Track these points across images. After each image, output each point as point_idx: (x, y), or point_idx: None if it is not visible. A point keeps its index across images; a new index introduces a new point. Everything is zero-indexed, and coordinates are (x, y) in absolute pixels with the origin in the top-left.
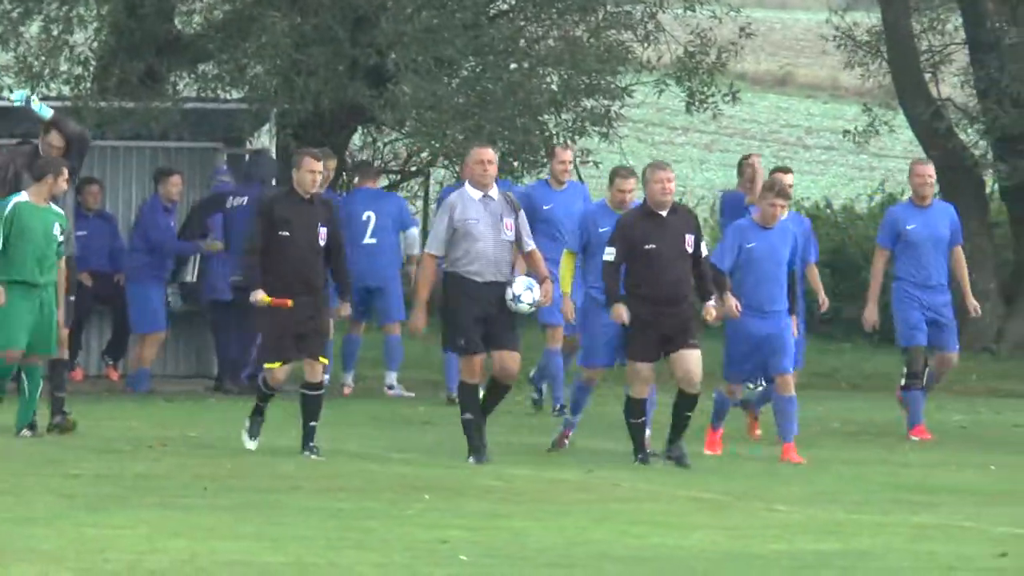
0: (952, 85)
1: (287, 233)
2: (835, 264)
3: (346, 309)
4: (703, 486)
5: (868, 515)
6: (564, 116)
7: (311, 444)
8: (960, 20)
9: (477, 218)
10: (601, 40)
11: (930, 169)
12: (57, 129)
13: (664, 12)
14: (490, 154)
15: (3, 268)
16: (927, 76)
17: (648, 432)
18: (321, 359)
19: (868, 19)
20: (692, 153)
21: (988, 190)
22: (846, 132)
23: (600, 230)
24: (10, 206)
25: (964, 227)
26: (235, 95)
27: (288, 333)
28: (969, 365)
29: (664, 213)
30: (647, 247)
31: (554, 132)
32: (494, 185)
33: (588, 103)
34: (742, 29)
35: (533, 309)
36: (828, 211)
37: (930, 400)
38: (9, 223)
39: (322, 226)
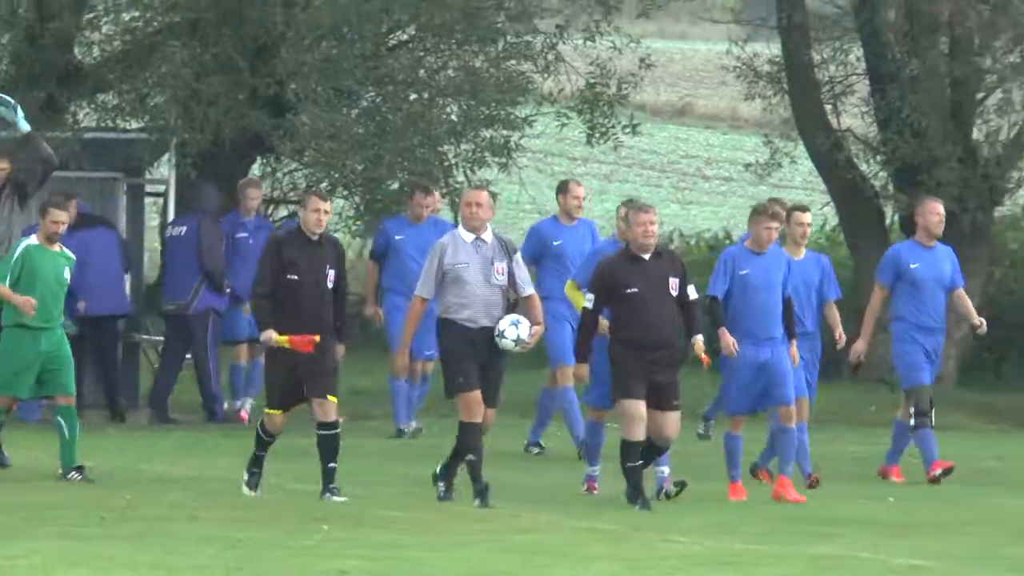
0: (853, 116)
1: (295, 276)
2: None
3: (341, 351)
4: (602, 517)
5: (766, 546)
6: (464, 146)
7: (332, 486)
8: (861, 51)
9: (467, 262)
10: (501, 71)
11: (941, 207)
12: (31, 146)
13: (564, 43)
14: (483, 196)
15: (12, 312)
16: (827, 107)
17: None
18: (330, 397)
19: (768, 50)
20: (592, 184)
21: (888, 221)
22: (748, 166)
23: None
24: (20, 249)
25: (863, 258)
26: (135, 125)
27: (291, 381)
28: (867, 397)
29: (647, 256)
30: (629, 291)
31: (453, 162)
32: (487, 228)
33: (488, 133)
34: (642, 60)
35: (518, 348)
36: (728, 242)
37: (827, 431)
38: (19, 266)
39: (330, 268)
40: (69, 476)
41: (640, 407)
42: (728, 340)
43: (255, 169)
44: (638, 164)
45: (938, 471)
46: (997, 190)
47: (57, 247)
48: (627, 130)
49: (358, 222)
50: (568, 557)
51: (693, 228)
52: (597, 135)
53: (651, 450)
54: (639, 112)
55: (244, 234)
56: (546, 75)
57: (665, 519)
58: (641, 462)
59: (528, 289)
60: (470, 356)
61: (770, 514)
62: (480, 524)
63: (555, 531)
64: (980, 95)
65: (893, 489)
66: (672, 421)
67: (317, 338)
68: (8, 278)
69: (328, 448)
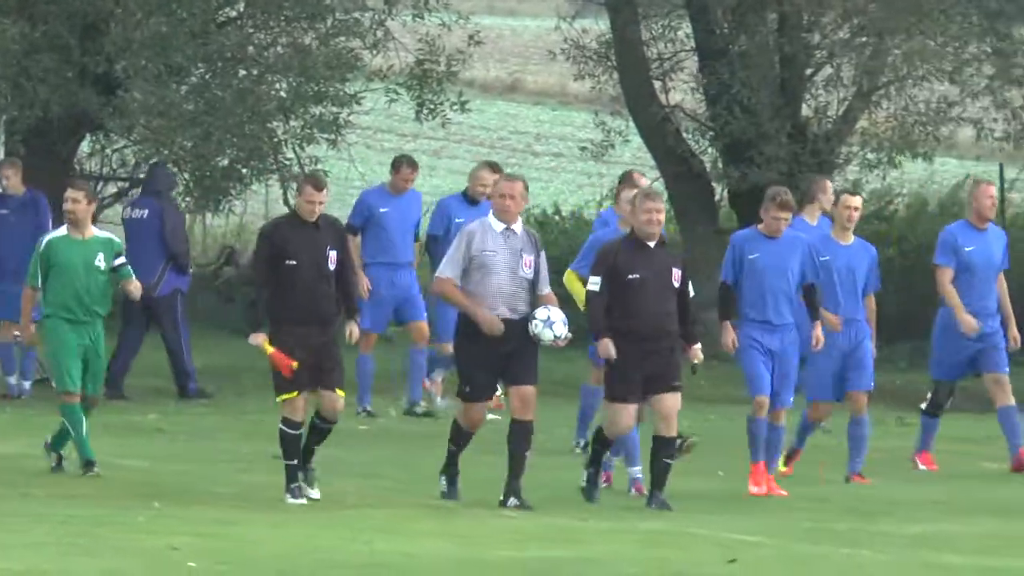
0: (682, 92)
1: (294, 262)
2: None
3: (355, 332)
4: (430, 493)
5: (599, 522)
6: (293, 123)
7: (310, 465)
8: (690, 28)
9: (495, 250)
10: (330, 47)
11: (994, 189)
12: None
13: (393, 20)
14: (516, 188)
15: (47, 304)
16: (657, 84)
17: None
18: (339, 392)
19: (597, 26)
20: (421, 160)
21: (717, 197)
22: (583, 148)
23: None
24: (43, 244)
25: (693, 233)
26: None
27: (301, 362)
28: (700, 373)
29: (652, 244)
30: (631, 277)
31: (283, 139)
32: (518, 219)
33: (317, 110)
34: (471, 37)
35: (555, 344)
36: (557, 218)
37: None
38: (44, 262)
39: (331, 249)
40: (50, 456)
41: (629, 412)
42: (728, 337)
43: (84, 146)
44: (468, 140)
45: (922, 466)
46: (826, 166)
47: (89, 232)
48: (456, 107)
49: (187, 198)
50: (396, 533)
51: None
52: (426, 112)
53: (661, 446)
54: (468, 88)
55: (5, 211)
56: (375, 52)
57: (499, 495)
58: (606, 454)
59: (547, 288)
60: (483, 362)
61: (604, 490)
62: (310, 500)
63: (384, 507)
64: (809, 71)
65: (724, 464)
66: (673, 402)
67: (295, 365)
68: (37, 278)
69: (320, 438)
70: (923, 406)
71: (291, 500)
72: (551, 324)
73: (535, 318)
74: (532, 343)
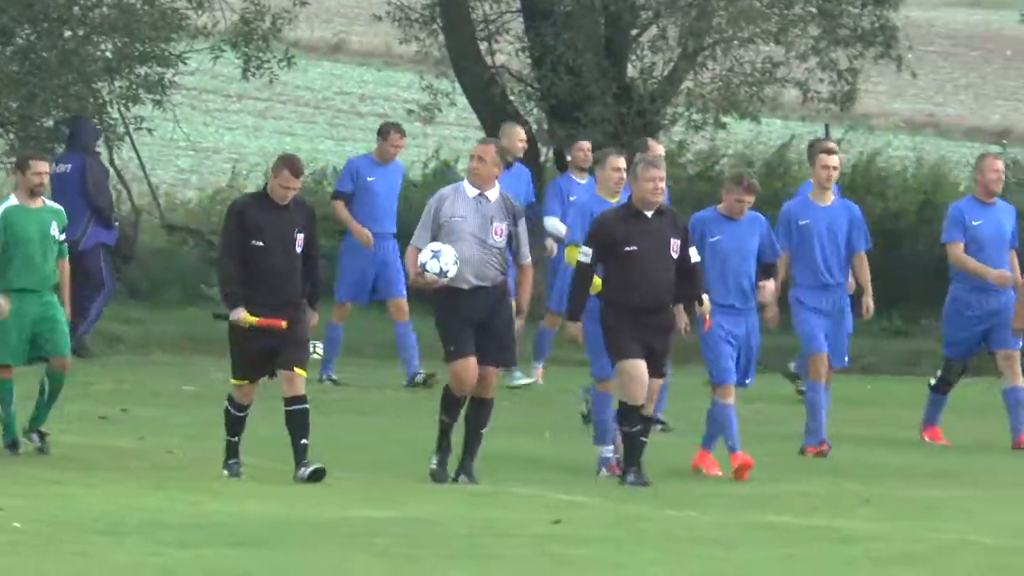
0: (508, 54)
1: (260, 242)
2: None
3: (314, 319)
4: (257, 454)
5: (426, 483)
6: (118, 83)
7: (305, 461)
8: None
9: (465, 216)
10: (155, 7)
11: (1000, 163)
12: None
13: None
14: (488, 151)
15: (1, 276)
16: (482, 45)
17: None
18: (299, 370)
19: None
20: (247, 120)
21: (543, 158)
22: (410, 112)
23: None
24: None
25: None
26: None
27: (257, 349)
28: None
29: (650, 214)
30: (628, 248)
31: (108, 100)
32: (496, 186)
33: (142, 70)
34: None
35: (443, 280)
36: None
37: None
38: (2, 231)
39: (299, 232)
40: (31, 437)
41: (640, 367)
42: (706, 307)
43: None
44: (293, 101)
45: (927, 438)
46: (652, 126)
47: (40, 202)
48: (282, 64)
49: (12, 159)
50: (221, 494)
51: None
52: (252, 68)
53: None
54: (294, 48)
55: None
56: (200, 11)
57: (326, 457)
58: (640, 427)
59: (527, 257)
60: (462, 321)
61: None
62: (133, 460)
63: (208, 467)
64: (634, 32)
65: (549, 424)
66: (653, 386)
67: (284, 324)
68: None
69: (298, 425)
70: (932, 382)
71: (227, 475)
72: (438, 255)
73: (427, 247)
74: (509, 318)
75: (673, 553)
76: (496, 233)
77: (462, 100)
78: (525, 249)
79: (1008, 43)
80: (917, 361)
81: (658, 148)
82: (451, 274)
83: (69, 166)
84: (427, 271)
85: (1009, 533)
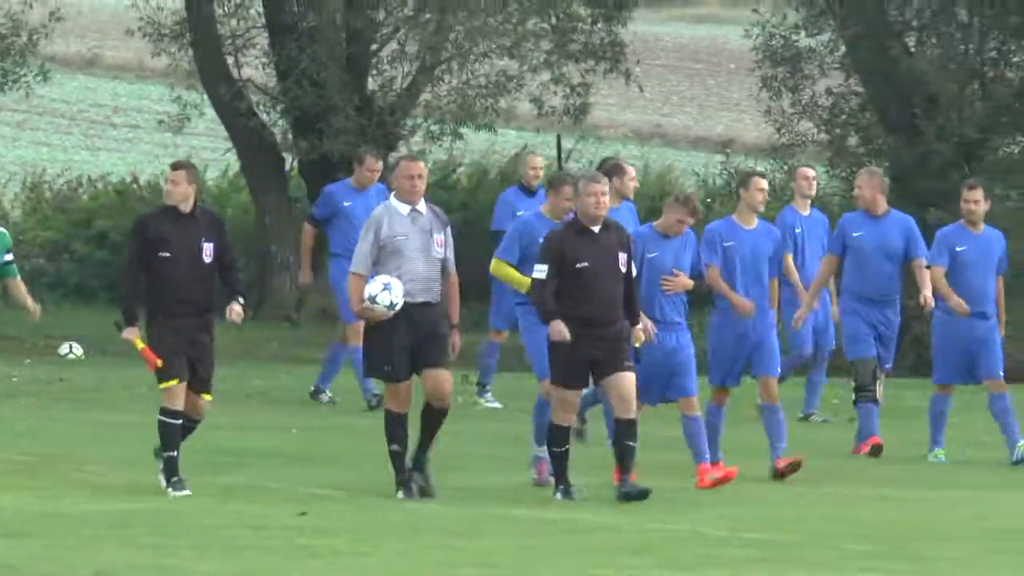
0: (254, 67)
1: (167, 253)
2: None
3: (235, 310)
4: (16, 448)
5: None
6: None
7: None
8: (262, 5)
9: (406, 233)
10: None
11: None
12: None
13: None
14: (421, 168)
15: None
16: (230, 59)
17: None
18: (204, 395)
19: (173, 4)
20: (4, 131)
21: (288, 167)
22: (161, 122)
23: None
24: None
25: (264, 201)
26: None
27: (180, 351)
28: (269, 334)
29: (596, 229)
30: (579, 265)
31: None
32: (422, 199)
33: None
34: (52, 14)
35: (391, 313)
36: (135, 186)
37: (234, 366)
38: None
39: (206, 241)
40: None
41: (577, 398)
42: (646, 323)
43: None
44: (49, 113)
45: (866, 450)
46: (392, 137)
47: None
48: (39, 78)
49: None
50: None
51: (101, 173)
52: (9, 83)
53: (623, 429)
54: (50, 63)
55: None
56: None
57: (80, 450)
58: (566, 448)
59: (453, 269)
60: (399, 341)
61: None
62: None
63: None
64: (375, 46)
65: (295, 421)
66: (628, 381)
67: (161, 363)
68: None
69: (185, 432)
70: (853, 397)
71: (173, 494)
72: (389, 288)
73: (378, 279)
74: (446, 329)
75: (416, 543)
76: (438, 244)
77: (211, 111)
78: (452, 258)
79: (731, 57)
80: None
81: (631, 171)
82: (399, 307)
83: None
84: (377, 303)
85: (730, 526)
